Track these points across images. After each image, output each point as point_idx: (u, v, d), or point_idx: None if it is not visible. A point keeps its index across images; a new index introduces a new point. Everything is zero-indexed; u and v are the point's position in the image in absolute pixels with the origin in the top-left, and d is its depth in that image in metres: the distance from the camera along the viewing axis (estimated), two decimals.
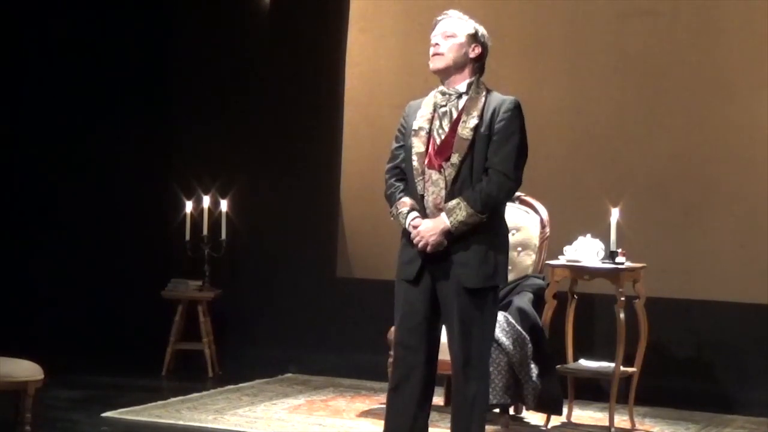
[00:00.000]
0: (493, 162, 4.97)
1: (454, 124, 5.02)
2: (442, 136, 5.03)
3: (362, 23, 8.63)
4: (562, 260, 6.92)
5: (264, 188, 8.88)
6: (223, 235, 8.41)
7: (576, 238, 6.95)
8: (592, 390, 7.43)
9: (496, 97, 5.05)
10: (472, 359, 4.99)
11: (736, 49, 7.67)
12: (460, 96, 5.06)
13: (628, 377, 6.91)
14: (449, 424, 5.12)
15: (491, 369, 6.27)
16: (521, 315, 6.65)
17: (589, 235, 6.93)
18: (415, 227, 5.00)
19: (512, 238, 7.00)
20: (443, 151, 5.01)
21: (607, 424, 6.81)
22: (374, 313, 7.45)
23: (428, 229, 4.96)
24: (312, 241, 8.77)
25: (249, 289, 8.84)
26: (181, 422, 6.78)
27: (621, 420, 6.92)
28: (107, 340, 8.71)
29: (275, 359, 8.50)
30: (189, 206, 8.43)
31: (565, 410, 6.90)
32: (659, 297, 7.28)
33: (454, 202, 4.95)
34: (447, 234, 4.94)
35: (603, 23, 7.97)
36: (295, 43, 8.84)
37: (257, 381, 8.10)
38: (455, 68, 5.07)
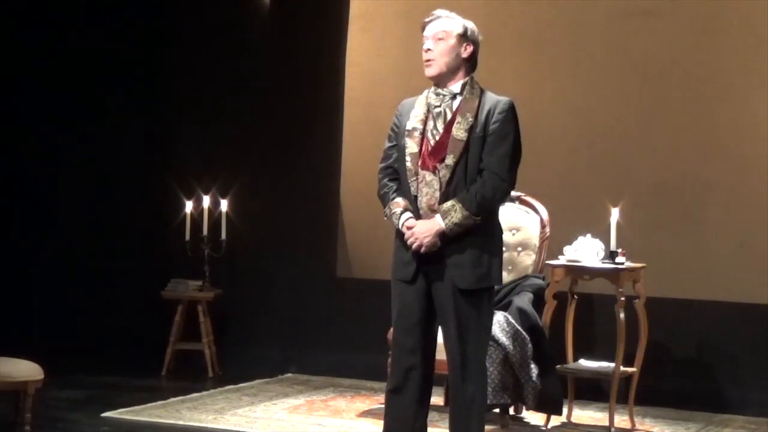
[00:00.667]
0: (487, 163, 4.96)
1: (449, 126, 5.01)
2: (437, 137, 5.02)
3: (362, 23, 8.63)
4: (562, 260, 6.92)
5: (264, 188, 8.88)
6: (223, 235, 8.41)
7: (576, 238, 6.95)
8: (592, 390, 7.43)
9: (491, 98, 5.04)
10: (469, 360, 4.99)
11: (736, 49, 7.67)
12: (454, 97, 5.05)
13: (628, 377, 6.91)
14: (448, 425, 5.13)
15: (491, 369, 6.29)
16: (521, 315, 6.65)
17: (589, 235, 6.93)
18: (409, 228, 4.99)
19: (512, 238, 7.03)
20: (437, 152, 5.00)
21: (607, 424, 6.81)
22: (374, 313, 7.44)
23: (422, 231, 4.96)
24: (312, 241, 8.76)
25: (249, 289, 8.83)
26: (181, 422, 6.78)
27: (621, 420, 6.92)
28: (107, 340, 8.71)
29: (275, 359, 8.50)
30: (189, 206, 8.43)
31: (565, 410, 6.90)
32: (659, 297, 7.28)
33: (449, 204, 4.95)
34: (441, 235, 4.94)
35: (603, 23, 7.97)
36: (295, 43, 8.84)
37: (257, 381, 8.10)
38: (449, 72, 5.05)
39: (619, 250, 6.77)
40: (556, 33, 8.08)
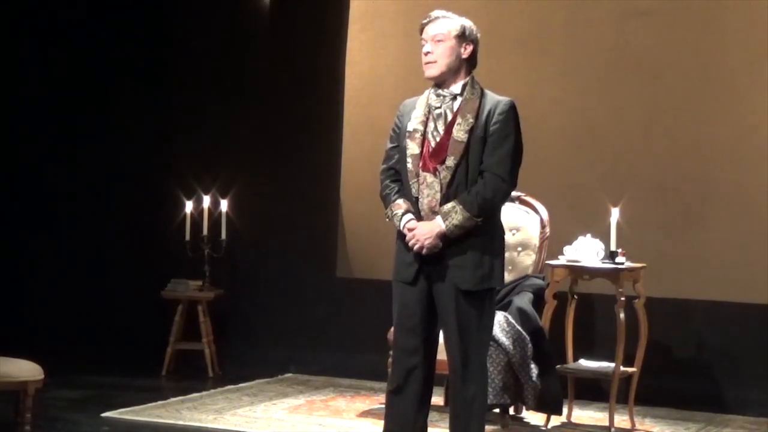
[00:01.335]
0: (488, 164, 4.95)
1: (449, 127, 5.00)
2: (437, 139, 5.01)
3: (362, 23, 8.63)
4: (562, 260, 6.92)
5: (264, 188, 8.87)
6: (223, 235, 8.41)
7: (576, 238, 6.95)
8: (592, 390, 7.43)
9: (491, 98, 5.03)
10: (471, 361, 4.99)
11: (737, 49, 7.67)
12: (454, 97, 5.04)
13: (628, 377, 6.91)
14: (449, 425, 5.13)
15: (491, 369, 6.28)
16: (521, 315, 6.65)
17: (589, 235, 6.93)
18: (410, 230, 4.99)
19: (512, 238, 7.03)
20: (438, 153, 4.99)
21: (607, 424, 6.81)
22: (374, 313, 7.44)
23: (423, 232, 4.95)
24: (312, 241, 8.76)
25: (249, 289, 8.84)
26: (181, 422, 6.78)
27: (621, 420, 6.92)
28: (107, 340, 8.71)
29: (275, 359, 8.50)
30: (189, 206, 8.43)
31: (565, 410, 6.90)
32: (659, 297, 7.28)
33: (449, 205, 4.94)
34: (442, 237, 4.94)
35: (603, 23, 7.97)
36: (295, 43, 8.84)
37: (257, 381, 8.10)
38: (450, 73, 5.04)
39: (619, 250, 6.77)
40: (556, 33, 8.08)
